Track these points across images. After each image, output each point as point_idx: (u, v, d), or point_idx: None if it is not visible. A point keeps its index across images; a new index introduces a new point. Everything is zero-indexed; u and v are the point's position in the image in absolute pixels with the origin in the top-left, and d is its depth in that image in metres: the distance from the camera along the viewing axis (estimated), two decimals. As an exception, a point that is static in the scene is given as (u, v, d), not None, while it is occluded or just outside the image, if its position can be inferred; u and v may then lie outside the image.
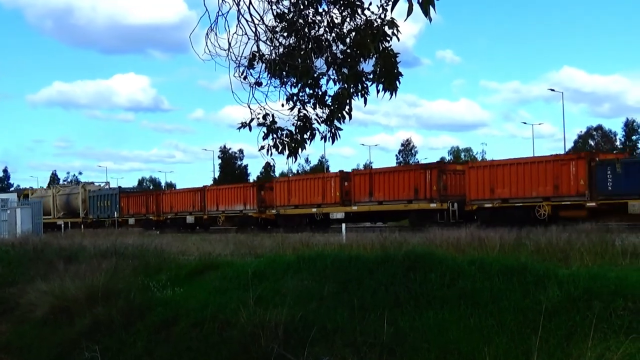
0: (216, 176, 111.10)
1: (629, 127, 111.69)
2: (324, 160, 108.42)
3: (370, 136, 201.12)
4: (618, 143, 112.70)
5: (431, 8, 5.39)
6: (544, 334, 8.93)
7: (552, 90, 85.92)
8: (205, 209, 55.58)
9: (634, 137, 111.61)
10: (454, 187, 40.12)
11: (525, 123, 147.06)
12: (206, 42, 7.42)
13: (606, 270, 11.18)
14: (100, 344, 12.63)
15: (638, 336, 8.51)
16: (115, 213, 63.84)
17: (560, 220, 29.51)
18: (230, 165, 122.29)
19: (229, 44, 7.53)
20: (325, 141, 8.15)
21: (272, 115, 8.08)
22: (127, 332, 13.25)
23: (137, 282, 15.95)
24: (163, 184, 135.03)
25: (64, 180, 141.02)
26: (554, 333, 9.13)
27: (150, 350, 12.39)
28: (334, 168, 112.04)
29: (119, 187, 72.95)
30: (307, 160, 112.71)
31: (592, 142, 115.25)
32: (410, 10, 5.57)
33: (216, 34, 7.41)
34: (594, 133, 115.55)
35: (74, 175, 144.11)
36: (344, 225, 29.93)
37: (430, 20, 5.42)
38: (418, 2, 5.37)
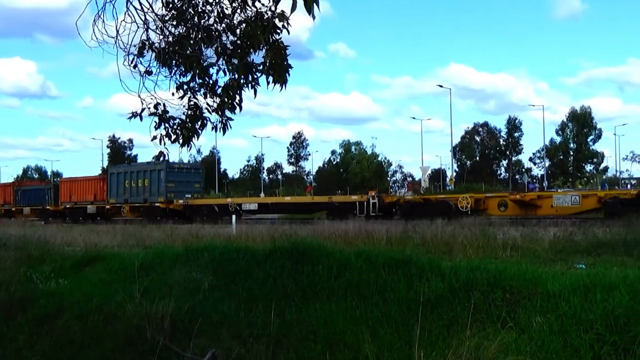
0: (104, 166, 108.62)
1: (512, 124, 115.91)
2: (215, 151, 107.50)
3: (262, 128, 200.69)
4: (502, 140, 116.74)
5: (315, 6, 5.41)
6: (426, 324, 9.15)
7: (441, 86, 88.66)
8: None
9: (516, 134, 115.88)
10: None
11: (414, 118, 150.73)
12: (93, 29, 7.22)
13: (486, 263, 11.57)
14: (-21, 337, 12.21)
15: (514, 326, 8.86)
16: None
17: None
18: (120, 154, 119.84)
19: (117, 31, 7.37)
20: (216, 131, 8.10)
21: (164, 105, 7.97)
22: (7, 325, 12.84)
23: (18, 274, 15.46)
24: (49, 173, 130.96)
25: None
26: (436, 323, 9.39)
27: (32, 344, 12.04)
28: (225, 160, 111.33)
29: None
30: (198, 151, 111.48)
31: (477, 138, 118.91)
32: (294, 7, 5.60)
33: (104, 21, 7.22)
34: (480, 129, 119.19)
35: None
36: (233, 217, 29.85)
37: (314, 17, 5.44)
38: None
